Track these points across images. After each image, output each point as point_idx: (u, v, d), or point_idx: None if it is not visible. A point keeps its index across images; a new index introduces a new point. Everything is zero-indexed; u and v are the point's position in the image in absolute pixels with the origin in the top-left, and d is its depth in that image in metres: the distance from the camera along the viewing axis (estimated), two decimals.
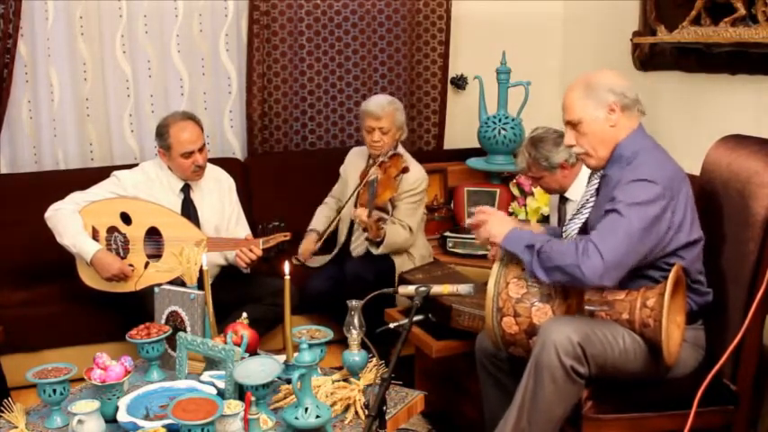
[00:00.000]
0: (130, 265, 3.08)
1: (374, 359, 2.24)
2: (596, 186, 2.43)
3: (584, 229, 2.36)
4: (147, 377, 2.35)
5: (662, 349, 2.06)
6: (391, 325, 2.23)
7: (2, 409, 2.05)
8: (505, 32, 4.29)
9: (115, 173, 3.23)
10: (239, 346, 2.21)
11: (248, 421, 1.90)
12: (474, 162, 4.07)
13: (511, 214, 3.81)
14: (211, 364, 2.29)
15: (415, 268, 3.28)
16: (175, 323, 2.43)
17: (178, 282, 2.61)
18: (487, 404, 2.52)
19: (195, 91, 3.99)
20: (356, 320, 2.19)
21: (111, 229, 3.11)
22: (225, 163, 3.63)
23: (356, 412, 2.12)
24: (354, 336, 2.20)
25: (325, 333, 2.36)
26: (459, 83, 4.38)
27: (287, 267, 2.28)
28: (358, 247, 3.47)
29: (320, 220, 3.63)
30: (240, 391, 2.08)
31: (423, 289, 2.16)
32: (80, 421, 1.94)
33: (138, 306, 2.92)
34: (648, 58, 3.59)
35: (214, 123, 4.05)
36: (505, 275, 2.23)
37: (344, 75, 4.15)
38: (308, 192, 3.83)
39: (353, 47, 4.13)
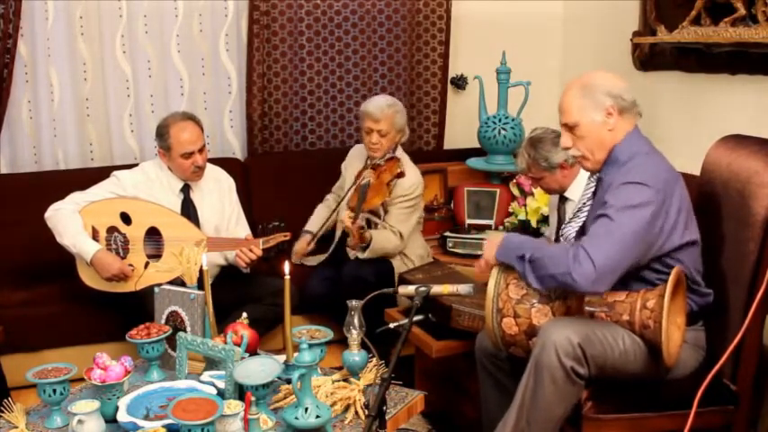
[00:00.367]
0: (130, 265, 3.08)
1: (374, 359, 2.24)
2: (593, 189, 2.43)
3: (582, 232, 2.36)
4: (147, 377, 2.35)
5: (662, 350, 2.06)
6: (391, 325, 2.23)
7: (2, 409, 2.05)
8: (505, 32, 4.29)
9: (115, 173, 3.23)
10: (239, 346, 2.21)
11: (248, 421, 1.90)
12: (474, 162, 4.07)
13: (511, 214, 3.82)
14: (211, 364, 2.29)
15: (415, 268, 3.27)
16: (175, 323, 2.43)
17: (178, 282, 2.61)
18: (487, 404, 2.52)
19: (195, 91, 3.99)
20: (356, 320, 2.19)
21: (111, 229, 3.12)
22: (225, 163, 3.63)
23: (356, 412, 2.12)
24: (354, 336, 2.20)
25: (325, 333, 2.36)
26: (459, 83, 4.38)
27: (287, 267, 2.28)
28: (353, 249, 3.46)
29: (314, 221, 3.63)
30: (240, 391, 2.08)
31: (423, 289, 2.17)
32: (80, 421, 1.94)
33: (138, 306, 2.92)
34: (648, 58, 3.59)
35: (214, 123, 4.05)
36: (505, 277, 2.23)
37: (344, 75, 4.15)
38: (308, 192, 3.83)
39: (353, 47, 4.13)
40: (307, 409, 1.94)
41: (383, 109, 3.37)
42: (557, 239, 2.91)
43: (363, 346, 2.22)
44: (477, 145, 4.07)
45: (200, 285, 2.44)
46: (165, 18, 3.88)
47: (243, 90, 4.04)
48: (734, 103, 3.11)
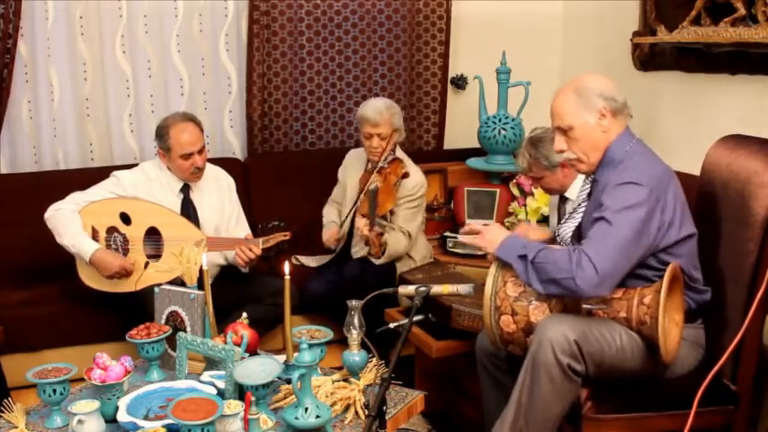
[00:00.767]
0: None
1: (374, 359, 2.24)
2: (588, 191, 2.43)
3: (578, 233, 2.36)
4: (147, 377, 2.35)
5: (659, 347, 2.06)
6: (391, 325, 2.23)
7: (2, 409, 2.05)
8: (505, 32, 4.29)
9: (115, 173, 3.23)
10: (239, 346, 2.21)
11: (248, 421, 1.90)
12: (474, 162, 4.07)
13: (510, 214, 3.81)
14: (211, 364, 2.29)
15: (414, 268, 3.28)
16: (175, 323, 2.43)
17: (178, 282, 2.61)
18: (487, 404, 2.52)
19: (195, 91, 3.99)
20: (356, 320, 2.19)
21: (111, 230, 3.12)
22: (225, 163, 3.63)
23: (356, 412, 2.12)
24: (354, 336, 2.20)
25: (325, 333, 2.36)
26: (459, 83, 4.38)
27: (287, 267, 2.28)
28: (359, 251, 3.46)
29: (331, 213, 3.63)
30: (240, 391, 2.08)
31: (423, 289, 2.17)
32: (80, 421, 1.94)
33: (138, 306, 2.92)
34: (648, 58, 3.59)
35: (214, 123, 4.05)
36: (503, 274, 2.24)
37: (344, 75, 4.15)
38: (308, 192, 3.83)
39: (353, 47, 4.13)
40: (307, 409, 1.94)
41: (381, 112, 3.37)
42: (553, 239, 2.90)
43: (363, 346, 2.22)
44: (477, 145, 4.07)
45: (200, 285, 2.43)
46: (165, 18, 3.88)
47: (243, 90, 4.04)
48: (734, 103, 3.11)
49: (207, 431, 1.85)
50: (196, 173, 3.20)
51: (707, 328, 2.29)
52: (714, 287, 2.28)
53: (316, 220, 3.68)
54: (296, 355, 2.05)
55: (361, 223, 3.21)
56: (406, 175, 3.35)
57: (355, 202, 3.42)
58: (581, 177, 2.90)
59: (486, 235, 2.29)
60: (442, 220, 4.00)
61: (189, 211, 3.24)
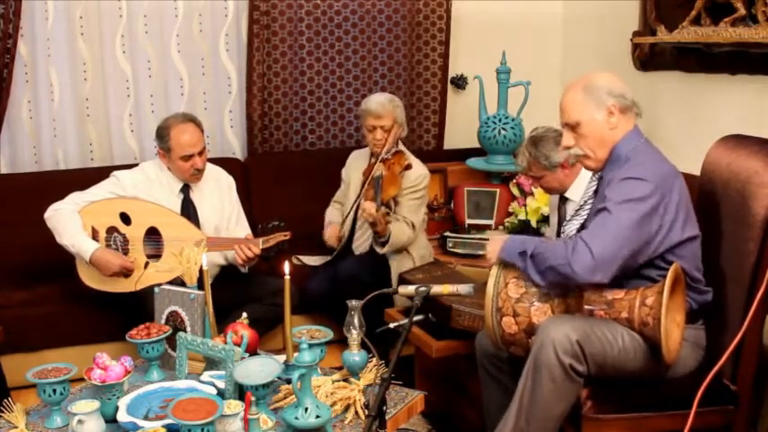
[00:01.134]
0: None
1: (374, 359, 2.24)
2: (594, 188, 2.43)
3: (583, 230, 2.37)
4: (147, 377, 2.35)
5: (661, 348, 2.06)
6: (391, 325, 2.23)
7: (2, 409, 2.05)
8: (505, 32, 4.29)
9: (115, 173, 3.23)
10: (239, 346, 2.21)
11: (248, 421, 1.90)
12: (474, 162, 4.07)
13: (511, 214, 3.82)
14: (211, 364, 2.29)
15: (414, 268, 3.28)
16: (175, 323, 2.43)
17: (178, 282, 2.61)
18: (487, 404, 2.53)
19: (195, 91, 3.99)
20: (356, 320, 2.19)
21: (111, 230, 3.11)
22: (225, 163, 3.63)
23: (356, 412, 2.11)
24: (354, 336, 2.20)
25: (325, 333, 2.36)
26: (459, 83, 4.38)
27: (287, 267, 2.28)
28: (361, 245, 3.48)
29: (333, 214, 3.64)
30: (240, 391, 2.08)
31: (423, 289, 2.17)
32: (80, 421, 1.94)
33: (138, 306, 2.92)
34: (648, 58, 3.59)
35: (214, 123, 4.05)
36: (505, 275, 2.24)
37: (344, 75, 4.15)
38: (308, 192, 3.83)
39: (353, 47, 4.13)
40: (307, 409, 1.94)
41: (384, 105, 3.41)
42: (558, 238, 2.90)
43: (363, 346, 2.22)
44: (477, 145, 4.07)
45: (200, 285, 2.43)
46: (165, 18, 3.89)
47: (243, 90, 4.04)
48: (734, 103, 3.10)
49: (207, 431, 1.85)
50: (196, 174, 3.20)
51: (707, 328, 2.29)
52: (714, 287, 2.28)
53: (316, 221, 3.68)
54: (296, 355, 2.05)
55: (368, 205, 3.23)
56: (408, 167, 3.39)
57: (359, 194, 3.44)
58: (582, 178, 2.90)
59: (488, 247, 2.32)
60: (442, 220, 4.00)
61: (189, 211, 3.24)
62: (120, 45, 3.83)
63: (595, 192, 2.42)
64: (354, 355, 2.21)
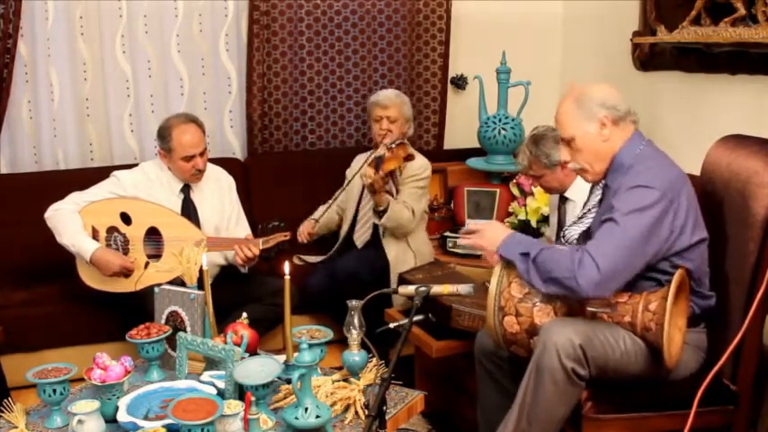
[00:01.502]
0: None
1: (374, 359, 2.24)
2: (599, 197, 2.43)
3: (587, 237, 2.36)
4: (147, 377, 2.35)
5: (663, 353, 2.06)
6: (391, 325, 2.23)
7: (2, 409, 2.05)
8: (505, 32, 4.29)
9: (115, 173, 3.23)
10: (239, 346, 2.21)
11: (248, 421, 1.90)
12: (474, 162, 4.07)
13: (511, 214, 3.81)
14: (211, 364, 2.29)
15: (414, 268, 3.28)
16: (175, 323, 2.43)
17: (178, 282, 2.61)
18: (483, 402, 2.52)
19: (195, 91, 3.99)
20: (356, 320, 2.19)
21: (111, 229, 3.11)
22: (225, 163, 3.63)
23: (356, 412, 2.11)
24: (354, 336, 2.20)
25: (325, 333, 2.36)
26: (459, 83, 4.38)
27: (287, 267, 2.28)
28: (362, 235, 3.50)
29: (321, 210, 3.65)
30: (240, 391, 2.08)
31: (423, 289, 2.16)
32: (80, 421, 1.94)
33: (138, 306, 2.92)
34: (648, 58, 3.59)
35: (214, 123, 4.05)
36: (508, 275, 2.23)
37: (344, 75, 4.15)
38: (308, 192, 3.83)
39: (353, 47, 4.13)
40: (307, 409, 1.94)
41: (391, 98, 3.51)
42: (557, 240, 2.90)
43: (363, 346, 2.22)
44: (477, 145, 4.07)
45: (200, 285, 2.43)
46: (165, 18, 3.88)
47: (243, 90, 4.04)
48: (734, 103, 3.10)
49: (207, 431, 1.85)
50: (197, 175, 3.20)
51: (708, 330, 2.29)
52: (714, 287, 2.27)
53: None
54: (296, 355, 2.05)
55: (368, 169, 3.21)
56: (410, 157, 3.39)
57: (362, 191, 3.44)
58: (581, 178, 2.90)
59: (486, 233, 2.28)
60: (442, 220, 4.00)
61: (189, 211, 3.24)
62: (120, 45, 3.83)
63: (600, 201, 2.41)
64: (354, 355, 2.21)
